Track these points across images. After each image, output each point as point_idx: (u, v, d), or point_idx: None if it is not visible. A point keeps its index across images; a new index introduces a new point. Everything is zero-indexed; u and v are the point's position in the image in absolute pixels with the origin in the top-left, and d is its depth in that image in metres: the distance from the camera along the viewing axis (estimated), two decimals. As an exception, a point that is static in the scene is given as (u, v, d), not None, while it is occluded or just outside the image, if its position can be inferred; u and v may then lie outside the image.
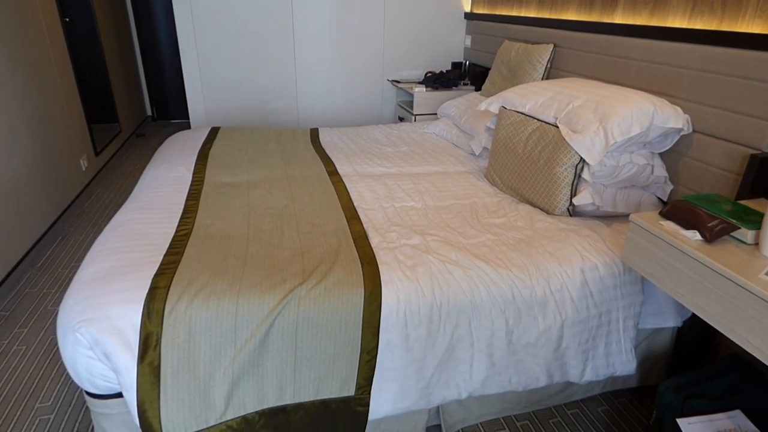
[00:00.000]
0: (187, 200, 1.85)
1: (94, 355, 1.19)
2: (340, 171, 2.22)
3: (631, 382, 1.77)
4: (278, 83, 3.49)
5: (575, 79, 2.11)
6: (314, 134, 2.83)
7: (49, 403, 1.75)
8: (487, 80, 2.94)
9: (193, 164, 2.23)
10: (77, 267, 2.54)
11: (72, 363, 1.21)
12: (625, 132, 1.62)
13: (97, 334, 1.17)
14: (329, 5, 3.36)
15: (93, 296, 1.24)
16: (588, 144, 1.64)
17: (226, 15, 3.25)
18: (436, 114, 3.26)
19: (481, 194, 1.97)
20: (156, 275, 1.30)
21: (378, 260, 1.43)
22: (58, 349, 1.97)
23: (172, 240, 1.51)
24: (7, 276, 2.37)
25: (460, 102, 2.91)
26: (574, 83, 2.01)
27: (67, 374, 1.86)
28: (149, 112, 5.42)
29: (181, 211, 1.76)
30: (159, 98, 5.35)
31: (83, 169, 3.42)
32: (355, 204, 1.84)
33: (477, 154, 2.37)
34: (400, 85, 3.44)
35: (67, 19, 4.04)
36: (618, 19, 2.12)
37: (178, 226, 1.62)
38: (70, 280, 2.43)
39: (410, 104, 3.44)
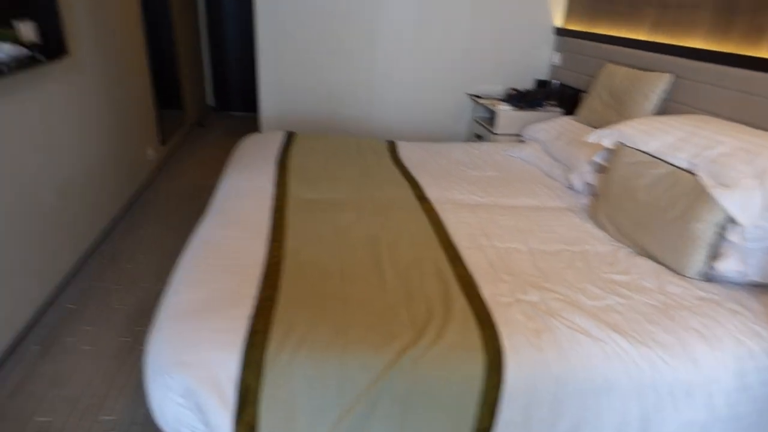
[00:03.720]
0: (272, 217, 1.72)
1: (186, 404, 1.07)
2: (428, 195, 2.05)
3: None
4: (353, 90, 3.35)
5: (708, 118, 1.87)
6: (392, 148, 2.67)
7: (114, 417, 1.64)
8: (584, 105, 2.71)
9: (273, 174, 2.11)
10: (141, 262, 2.46)
11: (159, 406, 1.09)
12: (788, 192, 1.38)
13: (191, 382, 1.04)
14: (412, 12, 3.20)
15: (187, 335, 1.11)
16: (741, 202, 1.41)
17: (307, 16, 3.14)
18: (518, 135, 3.05)
19: (591, 240, 1.76)
20: (254, 316, 1.17)
21: (495, 320, 1.25)
22: (124, 354, 1.89)
23: (266, 269, 1.38)
24: (77, 267, 2.31)
25: (550, 126, 2.69)
26: (710, 123, 1.77)
27: (136, 388, 1.76)
28: (211, 102, 5.39)
29: (267, 228, 1.63)
30: (221, 89, 5.32)
31: (149, 158, 3.37)
32: (452, 240, 1.67)
33: (579, 190, 2.16)
34: (481, 101, 3.24)
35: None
36: (764, 52, 1.86)
37: (269, 251, 1.49)
38: (134, 275, 2.36)
39: (489, 121, 3.23)
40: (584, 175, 2.13)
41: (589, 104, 2.65)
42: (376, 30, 3.21)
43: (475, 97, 3.36)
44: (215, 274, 1.34)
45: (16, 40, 1.73)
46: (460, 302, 1.30)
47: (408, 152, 2.62)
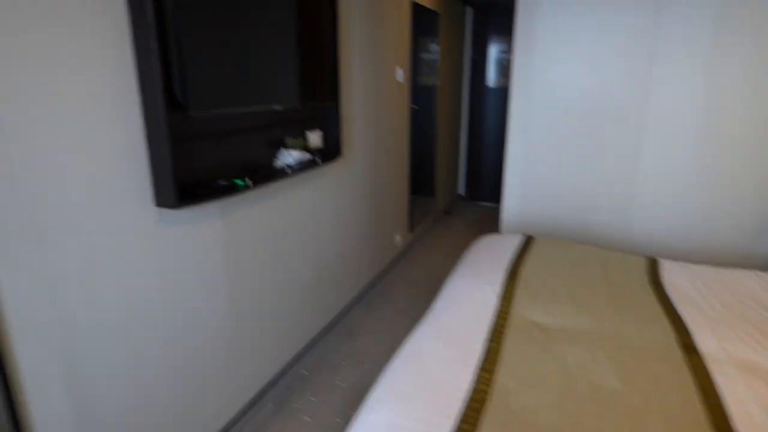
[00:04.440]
0: (489, 338, 1.56)
1: None
2: (699, 345, 1.56)
3: None
4: (609, 191, 2.99)
5: None
6: (652, 267, 2.20)
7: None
8: None
9: (500, 284, 1.96)
10: (369, 343, 2.59)
11: None
12: None
13: None
14: (698, 96, 2.69)
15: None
16: None
17: (561, 110, 3.00)
18: None
19: None
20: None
21: None
22: (330, 442, 1.94)
23: (467, 406, 1.22)
24: (318, 337, 2.58)
25: None
26: None
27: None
28: (461, 191, 5.66)
29: (480, 352, 1.48)
30: (473, 178, 5.54)
31: (396, 244, 3.66)
32: (734, 428, 1.18)
33: None
34: (794, 216, 2.45)
35: (415, 107, 4.60)
36: None
37: (476, 381, 1.32)
38: (361, 354, 2.48)
39: (808, 244, 2.39)
40: None
41: None
42: (643, 118, 2.83)
43: (786, 210, 2.56)
44: (413, 396, 1.25)
45: (303, 147, 2.10)
46: None
47: (675, 276, 2.11)
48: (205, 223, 1.65)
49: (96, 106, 1.25)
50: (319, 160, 2.15)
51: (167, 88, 1.34)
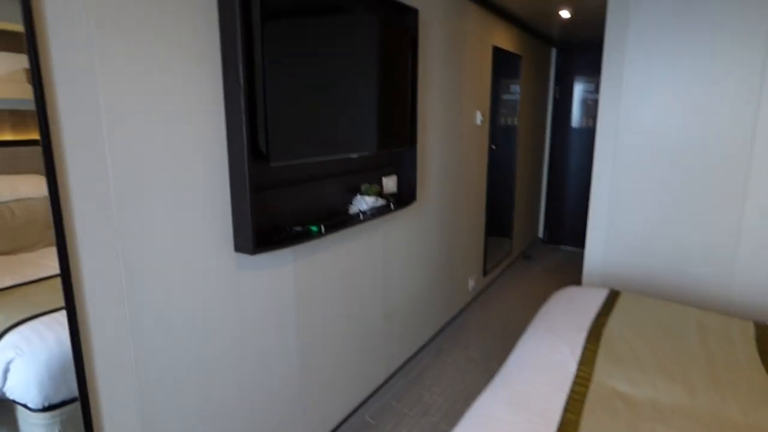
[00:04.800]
0: (565, 408, 1.44)
1: None
2: (823, 439, 1.33)
3: None
4: (706, 241, 2.70)
5: None
6: (762, 335, 1.94)
7: None
8: None
9: (580, 346, 1.82)
10: (436, 393, 2.50)
11: None
12: None
13: None
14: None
15: None
16: None
17: (653, 153, 2.79)
18: None
19: None
20: None
21: None
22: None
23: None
24: (384, 382, 2.54)
25: None
26: None
27: None
28: (540, 234, 5.43)
29: (555, 426, 1.36)
30: (553, 222, 5.31)
31: (469, 288, 3.56)
32: None
33: None
34: None
35: (494, 147, 4.55)
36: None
37: (548, 458, 1.22)
38: (426, 406, 2.40)
39: None
40: None
41: None
42: (747, 165, 2.55)
43: None
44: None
45: (377, 193, 2.14)
46: None
47: (791, 349, 1.84)
48: (280, 268, 1.71)
49: (189, 155, 1.36)
50: (392, 206, 2.17)
51: (252, 139, 1.43)
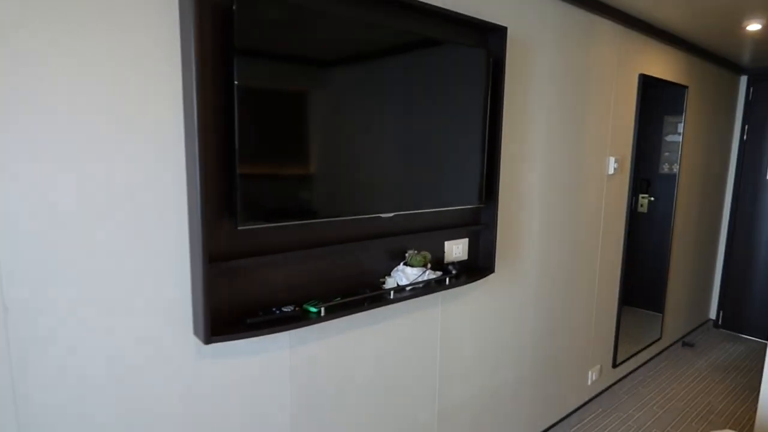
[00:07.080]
0: None
1: None
2: None
3: None
4: None
5: None
6: None
7: None
8: None
9: None
10: None
11: None
12: None
13: None
14: None
15: None
16: None
17: None
18: None
19: None
20: None
21: None
22: None
23: None
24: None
25: None
26: None
27: None
28: (712, 315, 4.15)
29: None
30: (731, 300, 4.01)
31: (589, 382, 2.73)
32: None
33: None
34: None
35: (652, 198, 3.60)
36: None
37: None
38: None
39: None
40: None
41: None
42: None
43: None
44: None
45: (424, 264, 1.63)
46: None
47: None
48: (267, 354, 1.33)
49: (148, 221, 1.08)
50: (450, 280, 1.64)
51: (228, 193, 1.10)
